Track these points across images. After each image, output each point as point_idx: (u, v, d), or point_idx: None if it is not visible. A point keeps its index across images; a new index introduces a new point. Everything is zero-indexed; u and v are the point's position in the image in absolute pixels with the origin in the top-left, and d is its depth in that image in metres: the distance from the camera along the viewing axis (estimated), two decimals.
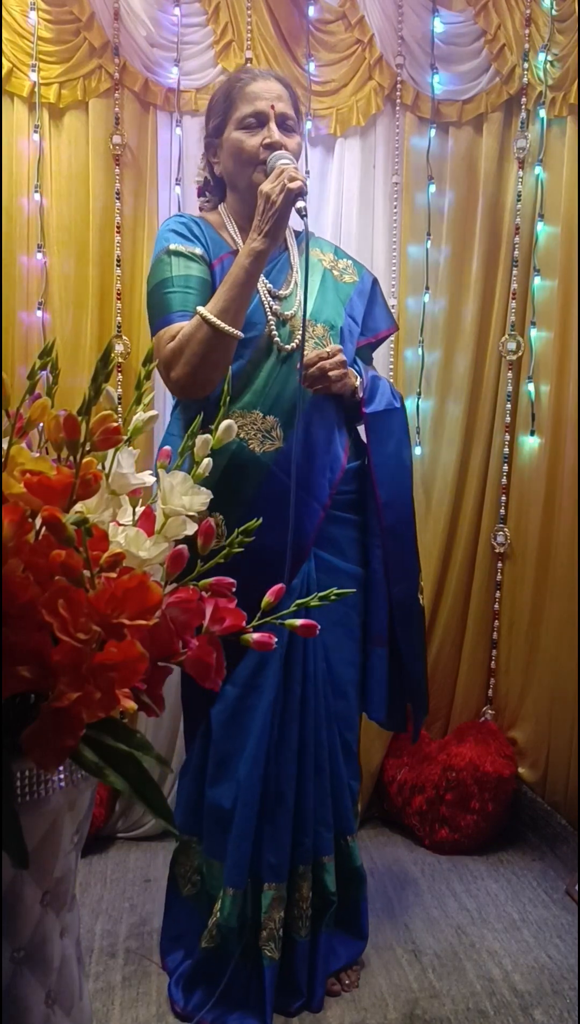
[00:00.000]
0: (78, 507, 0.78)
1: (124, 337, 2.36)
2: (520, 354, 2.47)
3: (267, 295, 1.68)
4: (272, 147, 1.62)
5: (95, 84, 2.28)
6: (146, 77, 2.30)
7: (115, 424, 0.80)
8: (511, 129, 2.43)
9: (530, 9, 2.35)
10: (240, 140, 1.65)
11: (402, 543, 1.79)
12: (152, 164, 2.33)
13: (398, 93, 2.39)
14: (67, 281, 2.33)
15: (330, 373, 1.63)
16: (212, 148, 1.74)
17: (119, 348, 2.36)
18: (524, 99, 2.39)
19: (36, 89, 2.25)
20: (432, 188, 2.44)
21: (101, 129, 2.30)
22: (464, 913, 2.10)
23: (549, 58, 2.32)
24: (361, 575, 1.78)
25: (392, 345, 2.43)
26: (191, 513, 0.87)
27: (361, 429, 1.83)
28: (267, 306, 1.67)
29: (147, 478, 0.89)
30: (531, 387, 2.44)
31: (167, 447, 1.06)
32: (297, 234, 1.79)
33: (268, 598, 0.90)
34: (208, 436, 0.96)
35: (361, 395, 1.74)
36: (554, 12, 2.31)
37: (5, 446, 0.78)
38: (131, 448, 0.89)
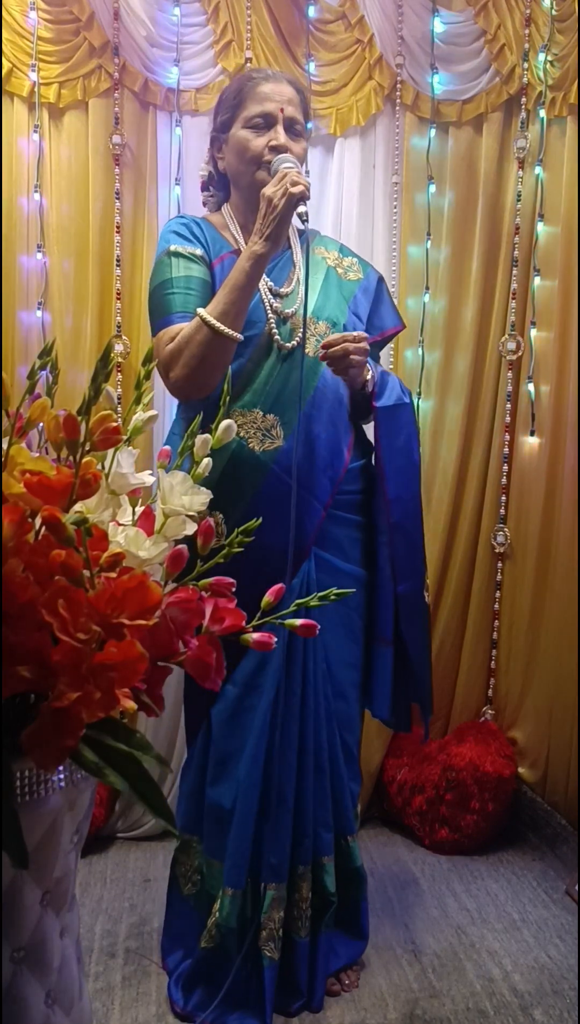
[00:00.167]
0: (78, 507, 0.78)
1: (124, 337, 2.37)
2: (520, 354, 2.47)
3: (268, 293, 1.68)
4: (277, 150, 1.62)
5: (95, 84, 2.28)
6: (146, 77, 2.30)
7: (115, 424, 0.80)
8: (511, 129, 2.43)
9: (530, 9, 2.35)
10: (246, 139, 1.65)
11: (410, 540, 1.77)
12: (152, 164, 2.33)
13: (398, 93, 2.39)
14: (67, 281, 2.33)
15: (352, 356, 1.62)
16: (217, 143, 1.74)
17: (119, 348, 2.36)
18: (524, 99, 2.39)
19: (36, 89, 2.25)
20: (432, 188, 2.44)
21: (101, 129, 2.30)
22: (464, 913, 2.10)
23: (549, 58, 2.32)
24: (363, 576, 1.77)
25: (392, 345, 2.43)
26: (191, 513, 0.87)
27: (367, 428, 1.82)
28: (267, 304, 1.67)
29: (147, 478, 0.89)
30: (531, 387, 2.44)
31: (167, 447, 1.06)
32: (301, 233, 1.79)
33: (268, 598, 0.90)
34: (208, 436, 0.96)
35: (370, 389, 1.72)
36: (554, 12, 2.31)
37: (5, 446, 0.78)
38: (131, 448, 0.89)
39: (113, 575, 0.77)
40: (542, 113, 2.36)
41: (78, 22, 2.26)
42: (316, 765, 1.71)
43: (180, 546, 0.85)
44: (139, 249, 2.36)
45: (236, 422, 1.63)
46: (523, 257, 2.44)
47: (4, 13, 2.18)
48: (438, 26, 2.37)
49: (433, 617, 2.52)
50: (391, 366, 2.47)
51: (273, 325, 1.66)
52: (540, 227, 2.40)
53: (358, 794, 1.87)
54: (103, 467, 0.85)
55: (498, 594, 2.56)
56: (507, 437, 2.49)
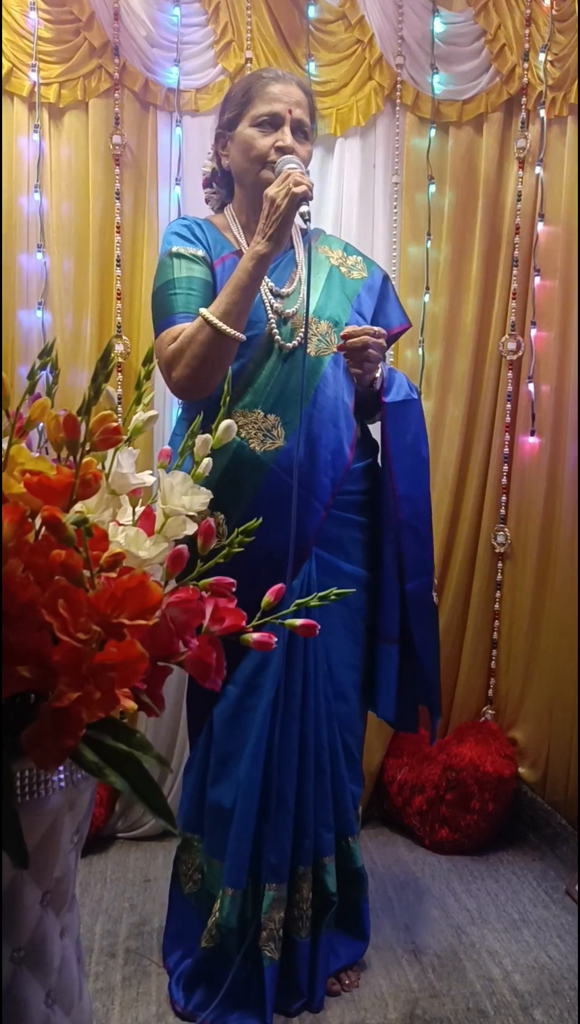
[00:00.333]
0: (78, 507, 0.78)
1: (124, 337, 2.37)
2: (520, 354, 2.47)
3: (268, 293, 1.68)
4: (283, 151, 1.62)
5: (95, 84, 2.28)
6: (146, 77, 2.30)
7: (115, 424, 0.80)
8: (511, 129, 2.43)
9: (530, 9, 2.35)
10: (252, 138, 1.65)
11: (419, 538, 1.76)
12: (152, 164, 2.33)
13: (398, 93, 2.39)
14: (67, 281, 2.33)
15: (370, 351, 1.62)
16: (222, 140, 1.74)
17: (119, 348, 2.36)
18: (524, 99, 2.39)
19: (36, 89, 2.25)
20: (432, 188, 2.44)
21: (101, 129, 2.30)
22: (464, 913, 2.10)
23: (549, 58, 2.32)
24: (365, 577, 1.76)
25: (393, 345, 2.43)
26: (191, 513, 0.87)
27: (372, 428, 1.82)
28: (268, 304, 1.67)
29: (147, 478, 0.89)
30: (531, 387, 2.44)
31: (167, 447, 1.06)
32: (304, 232, 1.79)
33: (268, 598, 0.90)
34: (208, 436, 0.96)
35: (379, 386, 1.72)
36: (554, 12, 2.31)
37: (5, 446, 0.78)
38: (131, 448, 0.89)
39: (113, 575, 0.77)
40: (542, 113, 2.36)
41: (78, 22, 2.26)
42: (317, 766, 1.71)
43: (180, 546, 0.85)
44: (139, 249, 2.36)
45: (237, 423, 1.63)
46: (523, 257, 2.44)
47: (4, 13, 2.18)
48: (438, 26, 2.37)
49: None
50: (391, 366, 2.46)
51: (274, 325, 1.66)
52: (540, 227, 2.40)
53: (359, 796, 1.87)
54: (103, 467, 0.85)
55: (498, 594, 2.56)
56: (507, 437, 2.49)
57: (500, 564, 2.55)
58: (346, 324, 1.72)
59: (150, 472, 0.92)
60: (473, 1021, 1.71)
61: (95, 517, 0.83)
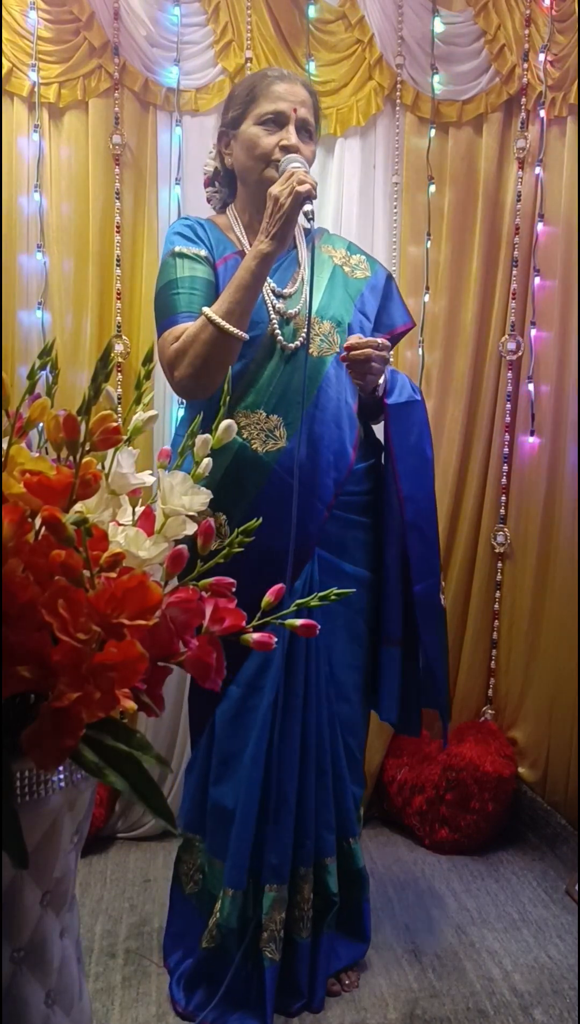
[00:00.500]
0: (78, 507, 0.78)
1: (124, 337, 2.36)
2: (520, 354, 2.47)
3: (270, 294, 1.67)
4: (287, 149, 1.61)
5: (95, 84, 2.28)
6: (146, 77, 2.30)
7: (115, 424, 0.80)
8: (511, 129, 2.43)
9: (530, 9, 2.35)
10: (257, 136, 1.64)
11: (425, 539, 1.75)
12: (152, 164, 2.33)
13: (398, 93, 2.39)
14: (67, 281, 2.33)
15: (373, 364, 1.62)
16: (225, 139, 1.73)
17: (119, 348, 2.36)
18: (524, 99, 2.39)
19: (36, 89, 2.25)
20: (432, 188, 2.44)
21: (101, 129, 2.30)
22: (464, 913, 2.10)
23: (549, 58, 2.32)
24: (368, 578, 1.75)
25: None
26: (191, 513, 0.87)
27: (376, 428, 1.82)
28: (270, 304, 1.66)
29: (147, 478, 0.89)
30: (531, 387, 2.44)
31: (167, 447, 1.06)
32: (307, 232, 1.79)
33: (268, 598, 0.90)
34: (208, 436, 0.96)
35: (380, 393, 1.71)
36: (554, 12, 2.31)
37: (5, 446, 0.78)
38: (131, 448, 0.89)
39: (113, 575, 0.77)
40: (542, 113, 2.36)
41: (78, 22, 2.26)
42: (318, 766, 1.71)
43: (180, 546, 0.85)
44: (139, 249, 2.36)
45: (239, 423, 1.62)
46: (523, 257, 2.44)
47: (4, 13, 2.18)
48: (438, 26, 2.37)
49: None
50: (391, 366, 2.46)
51: (276, 326, 1.66)
52: (540, 227, 2.40)
53: (361, 797, 1.86)
54: (103, 467, 0.85)
55: (498, 594, 2.56)
56: (507, 437, 2.49)
57: (500, 564, 2.55)
58: (349, 324, 1.72)
59: (150, 472, 0.92)
60: (473, 1021, 1.71)
61: (95, 517, 0.83)
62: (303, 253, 1.75)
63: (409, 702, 1.80)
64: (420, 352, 2.48)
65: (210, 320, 1.53)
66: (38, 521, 0.75)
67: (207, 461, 0.95)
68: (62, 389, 1.06)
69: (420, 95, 2.41)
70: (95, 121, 2.30)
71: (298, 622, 0.89)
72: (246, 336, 1.56)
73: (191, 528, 0.88)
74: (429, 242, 2.46)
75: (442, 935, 2.00)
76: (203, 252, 1.66)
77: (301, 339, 1.65)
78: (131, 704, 0.72)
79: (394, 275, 2.43)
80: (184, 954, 1.78)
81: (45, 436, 0.86)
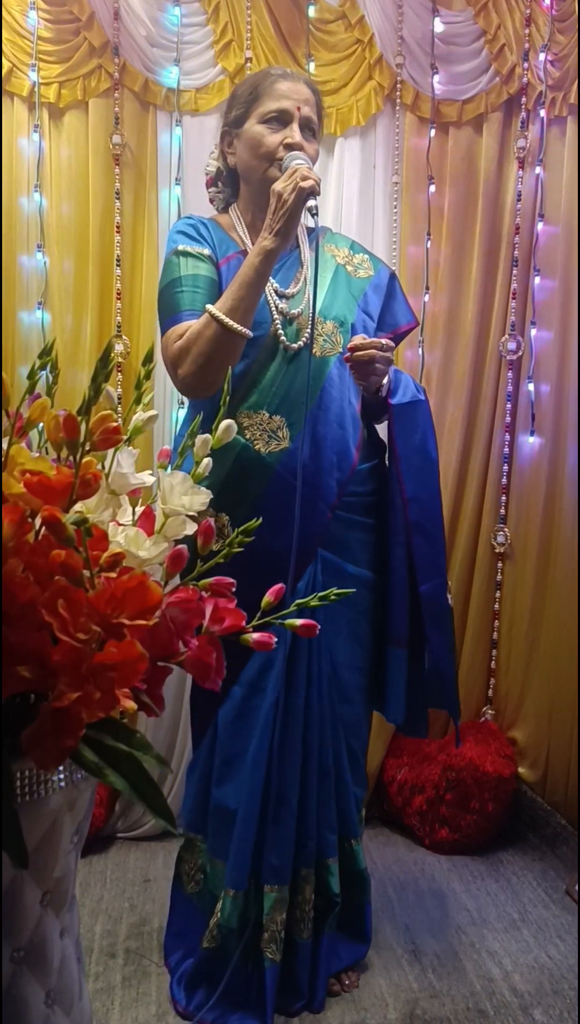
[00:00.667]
0: (78, 507, 0.78)
1: (124, 337, 2.36)
2: (520, 354, 2.47)
3: (273, 294, 1.67)
4: (292, 147, 1.61)
5: (95, 84, 2.28)
6: (146, 77, 2.30)
7: (115, 424, 0.80)
8: (511, 129, 2.43)
9: (530, 9, 2.35)
10: (261, 134, 1.64)
11: (430, 540, 1.74)
12: (152, 164, 2.33)
13: (398, 93, 2.39)
14: (67, 281, 2.33)
15: (377, 364, 1.61)
16: (228, 138, 1.72)
17: (119, 348, 2.36)
18: (524, 99, 2.39)
19: (36, 89, 2.25)
20: (432, 188, 2.44)
21: (101, 129, 2.30)
22: (464, 913, 2.10)
23: (549, 58, 2.32)
24: (371, 579, 1.74)
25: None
26: (191, 513, 0.87)
27: (379, 428, 1.81)
28: (273, 304, 1.66)
29: (147, 478, 0.89)
30: (531, 387, 2.44)
31: (167, 447, 1.06)
32: (310, 231, 1.78)
33: (268, 598, 0.90)
34: (208, 436, 0.96)
35: (383, 393, 1.71)
36: (554, 12, 2.31)
37: (5, 446, 0.78)
38: (131, 448, 0.89)
39: (113, 575, 0.77)
40: (542, 113, 2.36)
41: (78, 22, 2.26)
42: (320, 768, 1.71)
43: (180, 546, 0.85)
44: (139, 249, 2.36)
45: (242, 424, 1.62)
46: (523, 257, 2.44)
47: (4, 13, 2.18)
48: (438, 26, 2.37)
49: None
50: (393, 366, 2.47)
51: (278, 326, 1.65)
52: (540, 227, 2.40)
53: (363, 799, 1.86)
54: (103, 467, 0.85)
55: (498, 594, 2.56)
56: (507, 437, 2.49)
57: (500, 564, 2.55)
58: (352, 324, 1.71)
59: (150, 472, 0.92)
60: (473, 1021, 1.71)
61: (95, 517, 0.83)
62: (306, 253, 1.75)
63: (415, 703, 1.79)
64: (420, 352, 2.48)
65: (214, 317, 1.52)
66: (38, 521, 0.75)
67: (207, 461, 0.95)
68: (62, 389, 1.06)
69: (420, 95, 2.41)
70: (95, 121, 2.30)
71: (298, 622, 0.89)
72: (250, 333, 1.55)
73: (191, 528, 0.88)
74: (429, 242, 2.46)
75: (442, 935, 2.00)
76: (206, 251, 1.66)
77: (304, 339, 1.65)
78: (131, 704, 0.72)
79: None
80: (185, 954, 1.78)
81: (45, 436, 0.86)
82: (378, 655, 1.79)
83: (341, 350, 1.67)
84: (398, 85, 2.39)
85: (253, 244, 1.61)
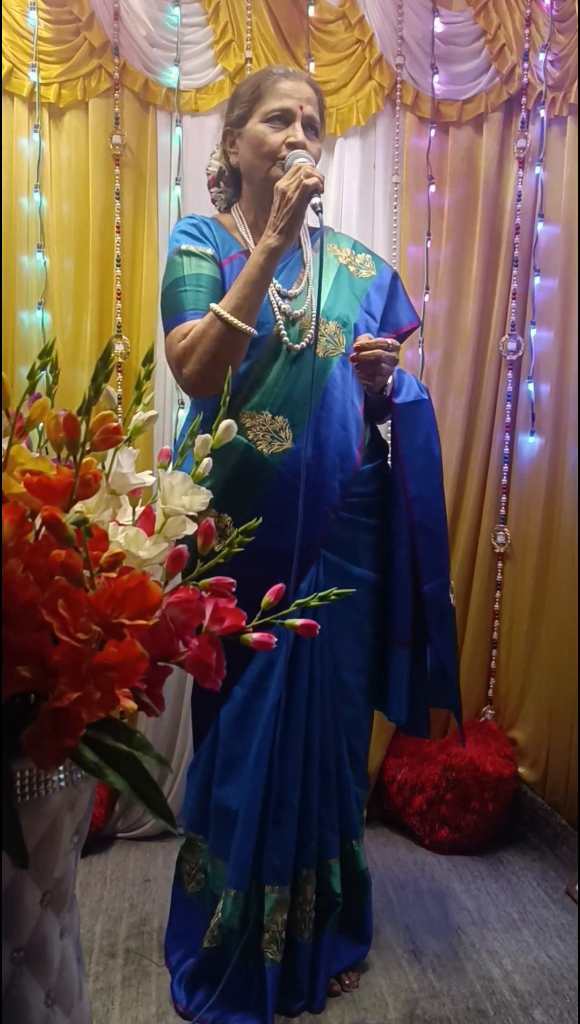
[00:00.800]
0: (78, 507, 0.78)
1: (124, 337, 2.37)
2: (520, 354, 2.47)
3: (275, 295, 1.66)
4: (295, 146, 1.61)
5: (95, 84, 2.28)
6: (146, 77, 2.30)
7: (115, 424, 0.80)
8: (511, 129, 2.43)
9: (530, 9, 2.35)
10: (263, 134, 1.64)
11: (434, 539, 1.74)
12: (152, 164, 2.33)
13: (398, 93, 2.39)
14: (67, 281, 2.33)
15: (383, 364, 1.61)
16: (230, 137, 1.72)
17: (119, 348, 2.36)
18: (524, 99, 2.39)
19: (36, 89, 2.25)
20: (432, 188, 2.44)
21: (101, 129, 2.30)
22: (464, 913, 2.10)
23: (549, 58, 2.32)
24: (374, 580, 1.74)
25: None
26: (191, 513, 0.87)
27: (381, 428, 1.81)
28: (276, 305, 1.65)
29: (147, 478, 0.89)
30: (531, 387, 2.44)
31: (167, 447, 1.06)
32: (312, 231, 1.78)
33: (268, 598, 0.90)
34: (208, 436, 0.96)
35: (387, 393, 1.71)
36: (554, 12, 2.31)
37: (5, 446, 0.78)
38: (131, 448, 0.89)
39: (113, 575, 0.77)
40: (542, 113, 2.36)
41: (78, 22, 2.26)
42: (322, 768, 1.71)
43: (180, 546, 0.85)
44: (139, 249, 2.36)
45: (245, 424, 1.62)
46: (523, 257, 2.44)
47: (4, 13, 2.18)
48: (438, 26, 2.37)
49: None
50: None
51: (281, 326, 1.65)
52: (540, 227, 2.41)
53: (364, 799, 1.86)
54: (103, 467, 0.85)
55: (498, 594, 2.56)
56: (507, 437, 2.49)
57: (500, 564, 2.55)
58: (355, 324, 1.71)
59: (150, 472, 0.92)
60: (473, 1021, 1.71)
61: (95, 517, 0.83)
62: (308, 253, 1.75)
63: (417, 703, 1.78)
64: (420, 352, 2.48)
65: (219, 316, 1.52)
66: (38, 521, 0.75)
67: (207, 461, 0.95)
68: (62, 389, 1.06)
69: (420, 95, 2.41)
70: (95, 121, 2.30)
71: (298, 622, 0.89)
72: (255, 332, 1.54)
73: (191, 528, 0.88)
74: (429, 242, 2.46)
75: (442, 935, 2.00)
76: (209, 250, 1.65)
77: (306, 340, 1.65)
78: (131, 704, 0.72)
79: None
80: (185, 953, 1.78)
81: (45, 436, 0.86)
82: (380, 655, 1.78)
83: (344, 351, 1.67)
84: (398, 85, 2.39)
85: (255, 244, 1.61)
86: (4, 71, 2.22)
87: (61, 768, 0.77)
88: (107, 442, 0.80)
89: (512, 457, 2.50)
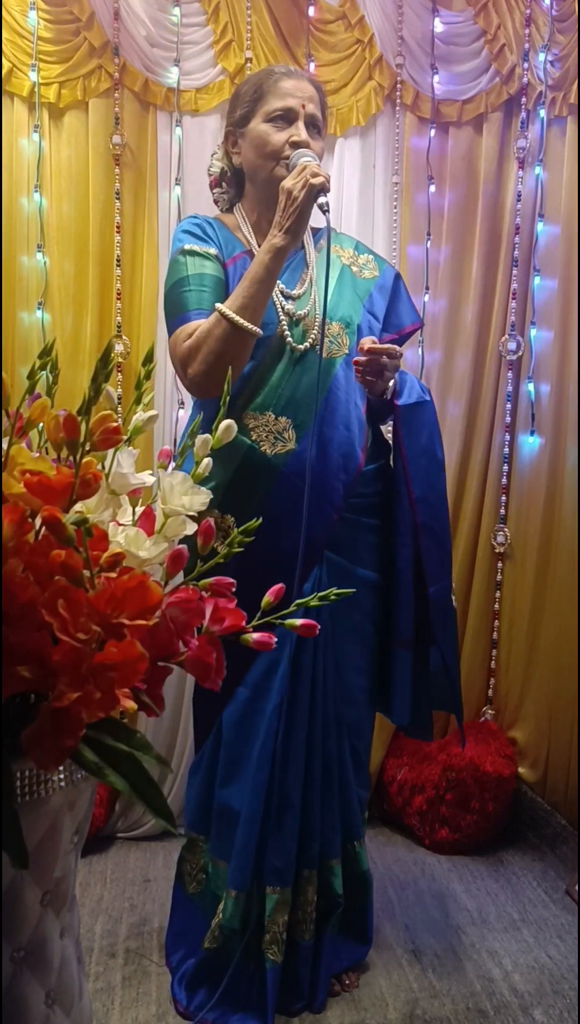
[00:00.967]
0: (78, 507, 0.78)
1: (124, 337, 2.36)
2: (520, 354, 2.47)
3: (279, 295, 1.66)
4: (298, 145, 1.60)
5: (95, 84, 2.28)
6: (146, 77, 2.30)
7: (115, 424, 0.80)
8: (511, 129, 2.43)
9: (530, 9, 2.35)
10: (267, 133, 1.63)
11: (438, 541, 1.73)
12: (152, 164, 2.33)
13: (398, 93, 2.39)
14: (67, 281, 2.33)
15: (386, 371, 1.60)
16: (233, 137, 1.71)
17: (119, 348, 2.36)
18: (524, 99, 2.39)
19: (36, 89, 2.25)
20: (432, 188, 2.44)
21: (101, 129, 2.30)
22: (464, 913, 2.10)
23: (549, 58, 2.32)
24: (376, 581, 1.74)
25: None
26: (191, 513, 0.87)
27: (383, 429, 1.81)
28: (279, 306, 1.65)
29: (147, 478, 0.89)
30: (531, 387, 2.44)
31: (167, 447, 1.06)
32: (314, 232, 1.78)
33: (268, 598, 0.90)
34: (208, 436, 0.96)
35: (389, 396, 1.70)
36: (554, 12, 2.31)
37: (5, 446, 0.78)
38: (131, 448, 0.89)
39: (113, 575, 0.77)
40: (542, 113, 2.36)
41: (78, 22, 2.26)
42: (324, 769, 1.70)
43: (180, 546, 0.85)
44: (139, 249, 2.36)
45: (248, 425, 1.61)
46: (523, 257, 2.44)
47: (4, 13, 2.18)
48: (438, 26, 2.37)
49: None
50: None
51: (285, 327, 1.64)
52: (540, 227, 2.41)
53: (366, 800, 1.86)
54: (103, 467, 0.85)
55: (498, 594, 2.56)
56: (507, 437, 2.49)
57: (500, 564, 2.55)
58: (358, 325, 1.71)
59: (150, 472, 0.92)
60: (473, 1021, 1.71)
61: (95, 517, 0.83)
62: (311, 253, 1.74)
63: (420, 705, 1.78)
64: (420, 352, 2.48)
65: (224, 315, 1.51)
66: (38, 521, 0.75)
67: (207, 461, 0.95)
68: (62, 389, 1.06)
69: (420, 95, 2.41)
70: (95, 121, 2.30)
71: (298, 622, 0.89)
72: (260, 332, 1.54)
73: (191, 528, 0.88)
74: (429, 242, 2.46)
75: (442, 935, 2.00)
76: (213, 250, 1.65)
77: (310, 340, 1.65)
78: (131, 704, 0.72)
79: None
80: (186, 954, 1.78)
81: (45, 436, 0.86)
82: (382, 657, 1.78)
83: (347, 351, 1.67)
84: (398, 85, 2.39)
85: (258, 244, 1.61)
86: (4, 71, 2.22)
87: (61, 768, 0.77)
88: (107, 442, 0.80)
89: (512, 457, 2.50)
